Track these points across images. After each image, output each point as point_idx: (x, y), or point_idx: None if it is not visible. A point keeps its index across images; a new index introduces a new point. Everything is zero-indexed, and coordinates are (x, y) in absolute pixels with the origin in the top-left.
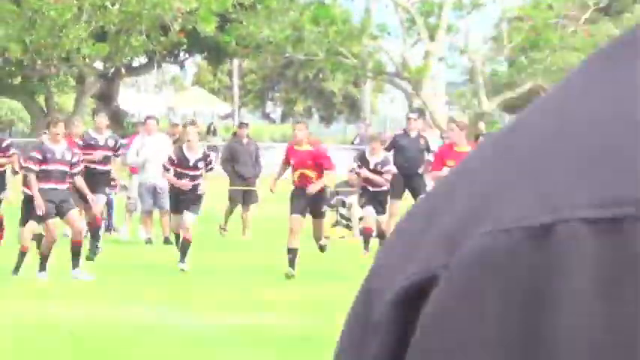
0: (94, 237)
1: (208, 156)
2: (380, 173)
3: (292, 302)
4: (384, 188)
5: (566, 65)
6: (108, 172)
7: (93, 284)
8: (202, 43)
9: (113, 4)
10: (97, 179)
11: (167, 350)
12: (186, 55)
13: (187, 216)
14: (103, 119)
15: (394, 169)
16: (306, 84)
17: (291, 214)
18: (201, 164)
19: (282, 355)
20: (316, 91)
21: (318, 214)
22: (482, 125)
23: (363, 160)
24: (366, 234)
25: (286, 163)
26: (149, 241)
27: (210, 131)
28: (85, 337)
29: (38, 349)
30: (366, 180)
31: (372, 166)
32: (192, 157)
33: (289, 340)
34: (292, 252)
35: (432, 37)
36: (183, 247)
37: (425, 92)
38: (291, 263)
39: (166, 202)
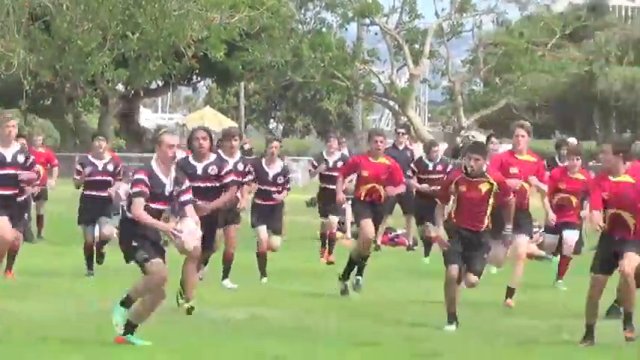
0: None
1: (287, 172)
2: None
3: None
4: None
5: (535, 85)
6: (108, 198)
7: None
8: (212, 68)
9: (133, 33)
10: (98, 205)
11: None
12: (199, 79)
13: (274, 239)
14: (102, 142)
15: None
16: (305, 103)
17: (362, 219)
18: (280, 179)
19: None
20: (314, 109)
21: (379, 222)
22: (457, 140)
23: (320, 161)
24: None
25: (347, 174)
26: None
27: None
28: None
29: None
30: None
31: (331, 164)
32: (271, 171)
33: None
34: (364, 259)
35: (416, 62)
36: (262, 262)
37: (410, 110)
38: (349, 274)
39: None
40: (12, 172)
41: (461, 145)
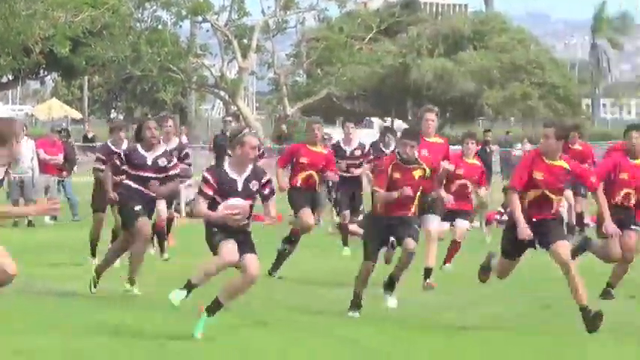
0: None
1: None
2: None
3: None
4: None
5: (353, 76)
6: None
7: None
8: (58, 63)
9: None
10: None
11: None
12: (46, 73)
13: (161, 205)
14: None
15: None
16: (143, 95)
17: (301, 208)
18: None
19: None
20: (151, 100)
21: (319, 209)
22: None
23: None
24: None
25: (286, 163)
26: (15, 224)
27: (62, 134)
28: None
29: None
30: None
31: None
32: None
33: None
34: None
35: (244, 55)
36: (161, 236)
37: (239, 100)
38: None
39: (31, 193)
40: None
41: (286, 132)
